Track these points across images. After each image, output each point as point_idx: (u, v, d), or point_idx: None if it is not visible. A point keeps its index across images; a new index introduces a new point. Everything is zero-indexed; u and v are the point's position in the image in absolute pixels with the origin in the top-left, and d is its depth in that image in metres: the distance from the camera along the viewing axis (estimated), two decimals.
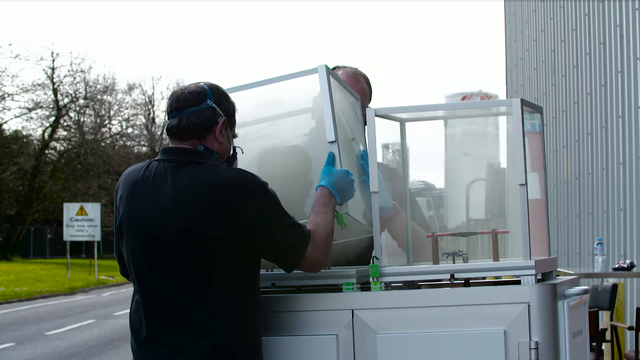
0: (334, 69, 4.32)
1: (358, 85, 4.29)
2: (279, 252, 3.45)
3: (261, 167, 3.80)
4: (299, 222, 3.50)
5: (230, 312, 3.37)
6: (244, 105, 3.75)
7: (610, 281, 10.11)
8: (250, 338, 3.42)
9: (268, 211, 3.40)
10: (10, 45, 58.26)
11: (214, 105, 3.50)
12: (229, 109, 3.55)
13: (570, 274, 8.41)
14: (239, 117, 3.66)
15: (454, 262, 3.64)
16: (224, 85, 3.71)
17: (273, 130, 3.91)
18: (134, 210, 3.44)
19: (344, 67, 4.39)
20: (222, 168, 3.43)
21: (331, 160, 3.65)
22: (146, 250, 3.42)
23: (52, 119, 48.84)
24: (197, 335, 3.35)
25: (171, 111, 3.51)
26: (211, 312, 3.35)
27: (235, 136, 3.62)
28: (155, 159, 3.50)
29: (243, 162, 3.72)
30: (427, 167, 4.28)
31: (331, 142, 3.66)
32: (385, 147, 4.09)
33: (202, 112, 3.48)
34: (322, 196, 3.58)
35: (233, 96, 3.67)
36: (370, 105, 4.36)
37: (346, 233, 3.78)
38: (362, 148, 3.99)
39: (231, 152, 3.60)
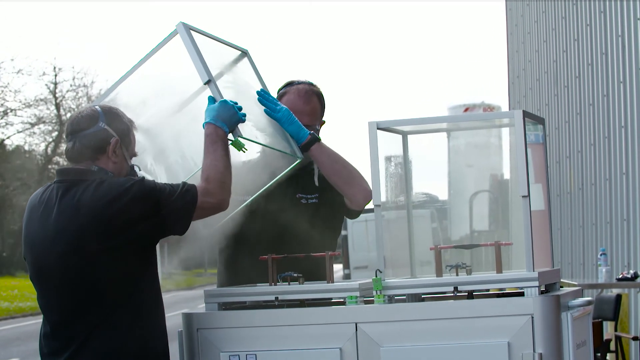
0: (287, 84, 4.29)
1: (309, 106, 4.23)
2: (170, 227, 3.53)
3: (159, 135, 3.93)
4: (187, 178, 3.66)
5: (126, 321, 3.46)
6: (137, 89, 3.92)
7: (614, 292, 10.09)
8: (152, 343, 3.51)
9: (147, 204, 3.46)
10: (12, 60, 58.36)
11: (105, 127, 3.59)
12: (123, 129, 3.63)
13: (574, 285, 8.40)
14: (136, 99, 3.84)
15: (457, 275, 3.64)
16: None
17: (169, 101, 4.00)
18: (29, 234, 3.56)
19: (298, 82, 4.29)
20: (102, 181, 3.50)
21: (211, 101, 3.74)
22: (40, 273, 3.53)
23: (55, 133, 48.86)
24: (91, 346, 3.44)
25: (67, 135, 3.61)
26: (105, 326, 3.44)
27: (134, 154, 3.70)
28: (54, 181, 3.59)
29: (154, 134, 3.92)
30: (430, 179, 4.28)
31: (207, 83, 3.76)
32: (388, 159, 4.09)
33: (94, 134, 3.57)
34: (207, 135, 3.68)
35: (122, 85, 3.89)
36: (324, 120, 4.32)
37: (273, 165, 3.94)
38: (260, 88, 4.10)
39: (129, 170, 3.66)
